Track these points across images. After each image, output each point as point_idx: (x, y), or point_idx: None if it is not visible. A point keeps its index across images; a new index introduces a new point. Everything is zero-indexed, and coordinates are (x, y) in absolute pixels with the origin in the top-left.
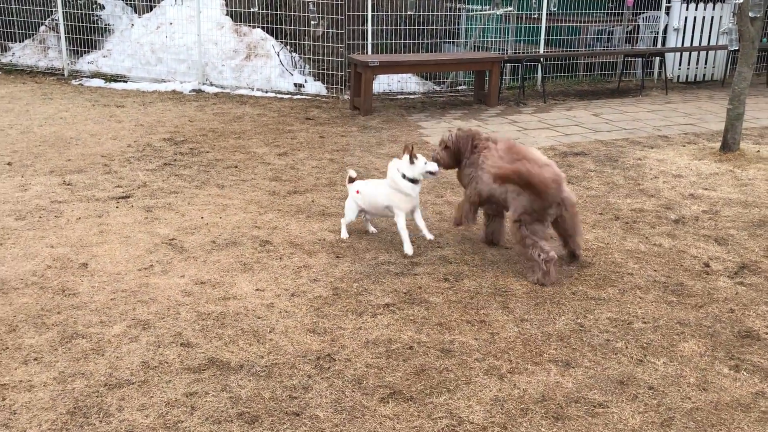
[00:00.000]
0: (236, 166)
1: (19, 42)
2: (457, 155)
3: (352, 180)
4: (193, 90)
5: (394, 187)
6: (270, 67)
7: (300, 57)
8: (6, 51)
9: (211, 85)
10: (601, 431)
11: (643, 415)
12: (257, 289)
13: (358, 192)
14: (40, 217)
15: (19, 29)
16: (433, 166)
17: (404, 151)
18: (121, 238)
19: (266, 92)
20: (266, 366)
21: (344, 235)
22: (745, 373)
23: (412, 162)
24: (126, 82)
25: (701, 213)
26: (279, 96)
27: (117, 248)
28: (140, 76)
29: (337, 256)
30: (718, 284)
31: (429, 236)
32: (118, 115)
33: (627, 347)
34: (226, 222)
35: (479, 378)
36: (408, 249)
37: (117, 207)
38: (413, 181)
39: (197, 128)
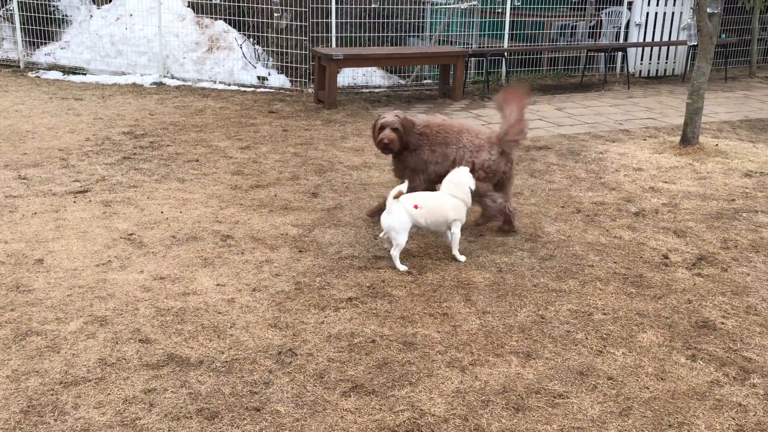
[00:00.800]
0: (197, 160)
1: None
2: (402, 139)
3: (399, 195)
4: (154, 83)
5: (464, 200)
6: (233, 60)
7: (263, 50)
8: None
9: (173, 78)
10: (560, 421)
11: (602, 405)
12: (218, 285)
13: (417, 207)
14: None
15: None
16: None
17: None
18: (79, 233)
19: (229, 85)
20: (226, 361)
21: (403, 267)
22: (701, 363)
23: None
24: (85, 74)
25: (661, 206)
26: (242, 89)
27: (74, 243)
28: (99, 69)
29: (300, 251)
30: (677, 276)
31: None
32: (77, 109)
33: (587, 338)
34: (187, 216)
35: (441, 370)
36: (461, 257)
37: (74, 201)
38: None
39: (158, 122)
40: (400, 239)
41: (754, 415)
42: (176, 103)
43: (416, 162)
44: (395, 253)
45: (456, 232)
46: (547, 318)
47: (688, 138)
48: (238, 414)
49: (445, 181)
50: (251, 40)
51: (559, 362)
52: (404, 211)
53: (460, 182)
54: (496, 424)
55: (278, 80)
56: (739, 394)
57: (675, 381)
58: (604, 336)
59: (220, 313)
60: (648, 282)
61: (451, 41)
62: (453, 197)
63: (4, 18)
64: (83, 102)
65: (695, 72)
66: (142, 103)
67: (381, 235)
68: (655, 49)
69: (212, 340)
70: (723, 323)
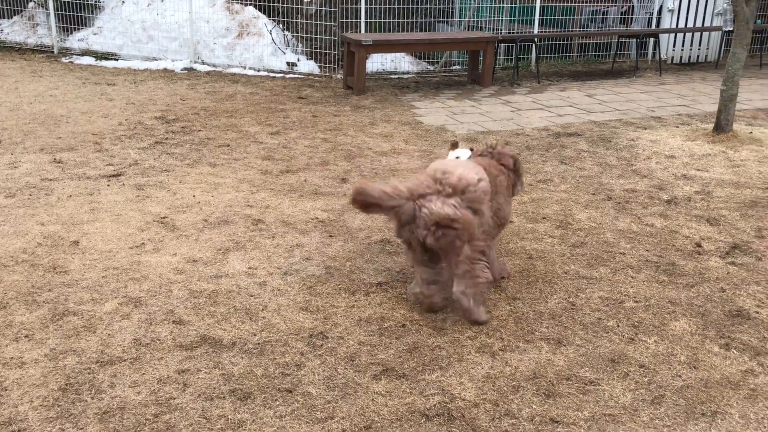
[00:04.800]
0: (228, 145)
1: (8, 18)
2: None
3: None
4: (185, 68)
5: None
6: (262, 46)
7: (292, 35)
8: None
9: (203, 63)
10: (591, 408)
11: (634, 393)
12: (250, 268)
13: None
14: (30, 195)
15: (7, 5)
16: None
17: (456, 146)
18: (113, 216)
19: (258, 71)
20: (258, 343)
21: None
22: (735, 352)
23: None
24: (117, 60)
25: (693, 194)
26: (271, 75)
27: (108, 226)
28: (131, 54)
29: (330, 236)
30: (710, 264)
31: None
32: (109, 94)
33: (618, 326)
34: (218, 200)
35: (471, 355)
36: None
37: (108, 185)
38: None
39: (189, 107)
40: None
41: None
42: (207, 89)
43: None
44: None
45: None
46: (578, 305)
47: (721, 125)
48: (271, 395)
49: None
50: (281, 26)
51: (590, 349)
52: None
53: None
54: (526, 409)
55: (307, 66)
56: None
57: (708, 370)
58: (636, 324)
59: (251, 295)
60: (680, 270)
61: (481, 27)
62: None
63: (38, 4)
64: (116, 87)
65: (730, 58)
66: (173, 88)
67: None
68: (688, 35)
69: (244, 322)
70: (757, 312)
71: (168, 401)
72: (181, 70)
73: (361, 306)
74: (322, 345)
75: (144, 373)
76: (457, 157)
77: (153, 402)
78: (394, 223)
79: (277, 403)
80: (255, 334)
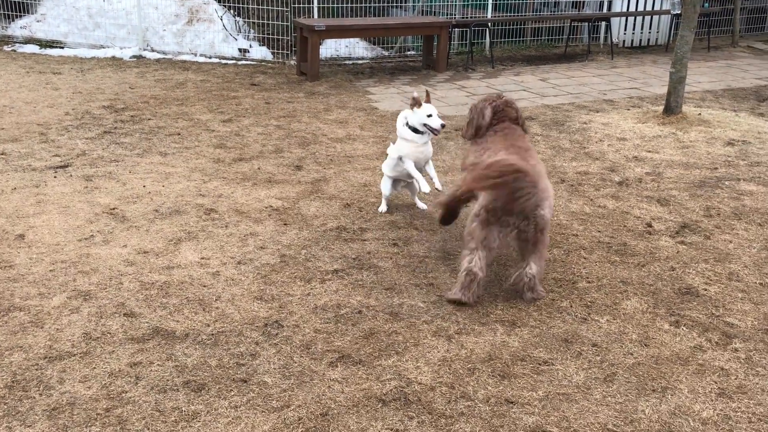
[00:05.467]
0: (179, 134)
1: None
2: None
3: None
4: (134, 56)
5: (402, 136)
6: (213, 32)
7: (244, 21)
8: None
9: (152, 50)
10: (546, 388)
11: (587, 371)
12: (202, 258)
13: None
14: None
15: None
16: (435, 122)
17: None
18: (60, 209)
19: (210, 58)
20: (212, 334)
21: (384, 208)
22: (684, 329)
23: (412, 108)
24: (62, 48)
25: (644, 175)
26: (223, 61)
27: (56, 218)
28: (77, 42)
29: (285, 224)
30: (660, 243)
31: (438, 185)
32: (55, 83)
33: (571, 306)
34: (169, 190)
35: (427, 340)
36: (425, 187)
37: (55, 176)
38: (415, 130)
39: (138, 95)
40: (385, 189)
41: (736, 379)
42: (157, 77)
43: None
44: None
45: (407, 165)
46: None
47: (671, 107)
48: (225, 385)
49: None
50: (232, 11)
51: (544, 330)
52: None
53: (399, 118)
54: (482, 391)
55: (260, 52)
56: (721, 358)
57: (658, 347)
58: (588, 304)
59: (205, 286)
60: (632, 250)
61: (435, 12)
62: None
63: None
64: (62, 76)
65: (678, 41)
66: (121, 76)
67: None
68: (639, 18)
69: (197, 313)
70: (706, 290)
71: (120, 395)
72: (130, 57)
73: (317, 294)
74: (277, 334)
75: (95, 368)
76: (429, 115)
77: (104, 396)
78: (498, 202)
79: (232, 393)
80: (208, 325)
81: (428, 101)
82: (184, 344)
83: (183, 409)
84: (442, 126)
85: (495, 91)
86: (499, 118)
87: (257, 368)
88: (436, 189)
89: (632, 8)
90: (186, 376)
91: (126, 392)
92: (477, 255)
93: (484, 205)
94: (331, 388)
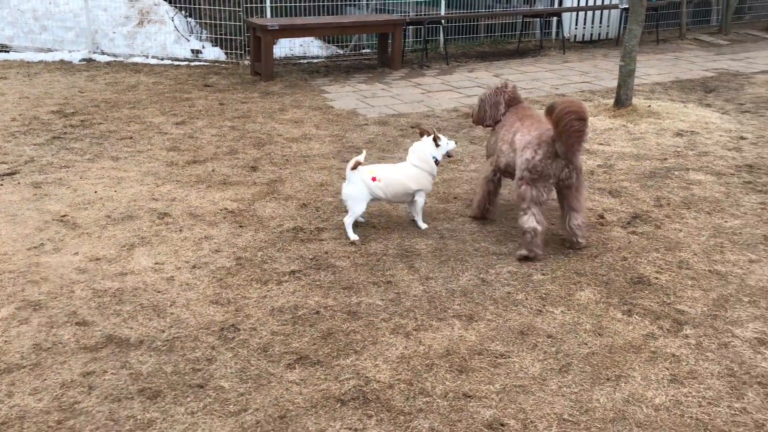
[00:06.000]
0: (131, 137)
1: None
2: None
3: (357, 166)
4: (83, 59)
5: (428, 170)
6: (165, 34)
7: (196, 22)
8: None
9: (103, 53)
10: (503, 380)
11: (543, 363)
12: (156, 263)
13: (375, 179)
14: None
15: None
16: (452, 145)
17: (424, 133)
18: (8, 217)
19: (162, 60)
20: (167, 340)
21: (354, 237)
22: (636, 317)
23: (437, 145)
24: (8, 52)
25: (596, 167)
26: (176, 63)
27: (3, 228)
28: (23, 46)
29: (240, 226)
30: (612, 234)
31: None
32: (0, 88)
33: (527, 298)
34: (122, 195)
35: (386, 338)
36: (422, 224)
37: (1, 184)
38: (437, 162)
39: (88, 99)
40: (357, 209)
41: (686, 365)
42: (107, 80)
43: (490, 143)
44: (348, 220)
45: (419, 200)
46: (488, 281)
47: (621, 100)
48: (181, 392)
49: (410, 150)
50: (183, 12)
51: (501, 323)
52: (362, 182)
53: (422, 151)
54: (440, 386)
55: (213, 53)
56: (673, 345)
57: (612, 336)
58: (544, 296)
59: (159, 291)
60: (585, 241)
61: (389, 10)
62: (415, 167)
63: None
64: (7, 81)
65: (627, 34)
66: (71, 80)
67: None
68: (590, 13)
69: (152, 319)
70: (657, 278)
71: (72, 406)
72: (80, 61)
73: (274, 296)
74: (233, 338)
75: (45, 379)
76: (447, 143)
77: (56, 408)
78: (559, 149)
79: (188, 399)
80: (163, 331)
81: (435, 135)
82: (138, 351)
83: (138, 417)
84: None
85: (450, 87)
86: (509, 104)
87: (214, 373)
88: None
89: (582, 3)
90: (141, 384)
91: (79, 403)
92: (531, 212)
93: (524, 167)
94: (289, 390)
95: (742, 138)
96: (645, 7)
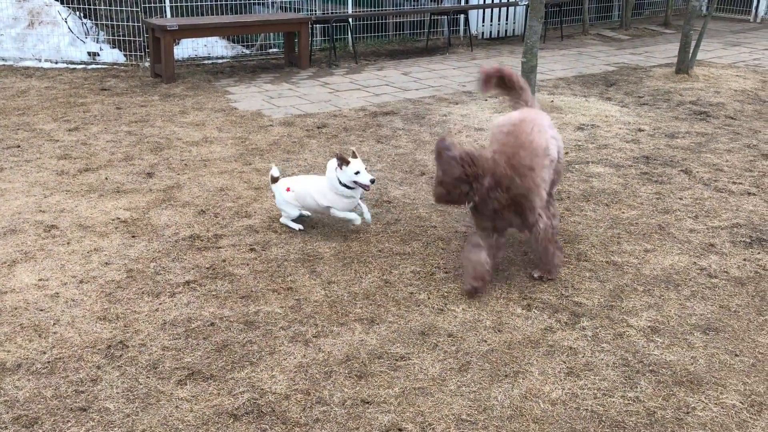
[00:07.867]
0: (18, 146)
1: None
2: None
3: (275, 179)
4: None
5: (333, 189)
6: (58, 35)
7: (93, 23)
8: None
9: None
10: (402, 384)
11: (443, 363)
12: (40, 279)
13: (289, 190)
14: None
15: None
16: (364, 179)
17: (337, 157)
18: None
19: (56, 63)
20: (48, 362)
21: (297, 226)
22: (536, 311)
23: (340, 167)
24: None
25: None
26: (71, 66)
27: None
28: None
29: (133, 236)
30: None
31: (368, 219)
32: None
33: (429, 298)
34: (5, 208)
35: (284, 346)
36: (368, 218)
37: None
38: (347, 186)
39: None
40: (291, 213)
41: (583, 357)
42: None
43: None
44: (283, 221)
45: (336, 214)
46: (392, 281)
47: None
48: (62, 417)
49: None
50: (78, 13)
51: (402, 324)
52: (280, 195)
53: (329, 170)
54: (338, 394)
55: (111, 55)
56: (570, 338)
57: (511, 331)
58: (445, 294)
59: (41, 310)
60: None
61: (296, 8)
62: (326, 183)
63: None
64: None
65: (527, 31)
66: None
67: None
68: (496, 10)
69: (32, 340)
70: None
71: None
72: None
73: (166, 308)
74: (121, 355)
75: None
76: (357, 172)
77: None
78: None
79: (69, 424)
80: (44, 352)
81: (355, 157)
82: (15, 376)
83: None
84: (372, 182)
85: (359, 86)
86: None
87: (98, 394)
88: (367, 223)
89: (488, 1)
90: (16, 411)
91: None
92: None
93: None
94: (179, 408)
95: (640, 130)
96: (543, 3)
